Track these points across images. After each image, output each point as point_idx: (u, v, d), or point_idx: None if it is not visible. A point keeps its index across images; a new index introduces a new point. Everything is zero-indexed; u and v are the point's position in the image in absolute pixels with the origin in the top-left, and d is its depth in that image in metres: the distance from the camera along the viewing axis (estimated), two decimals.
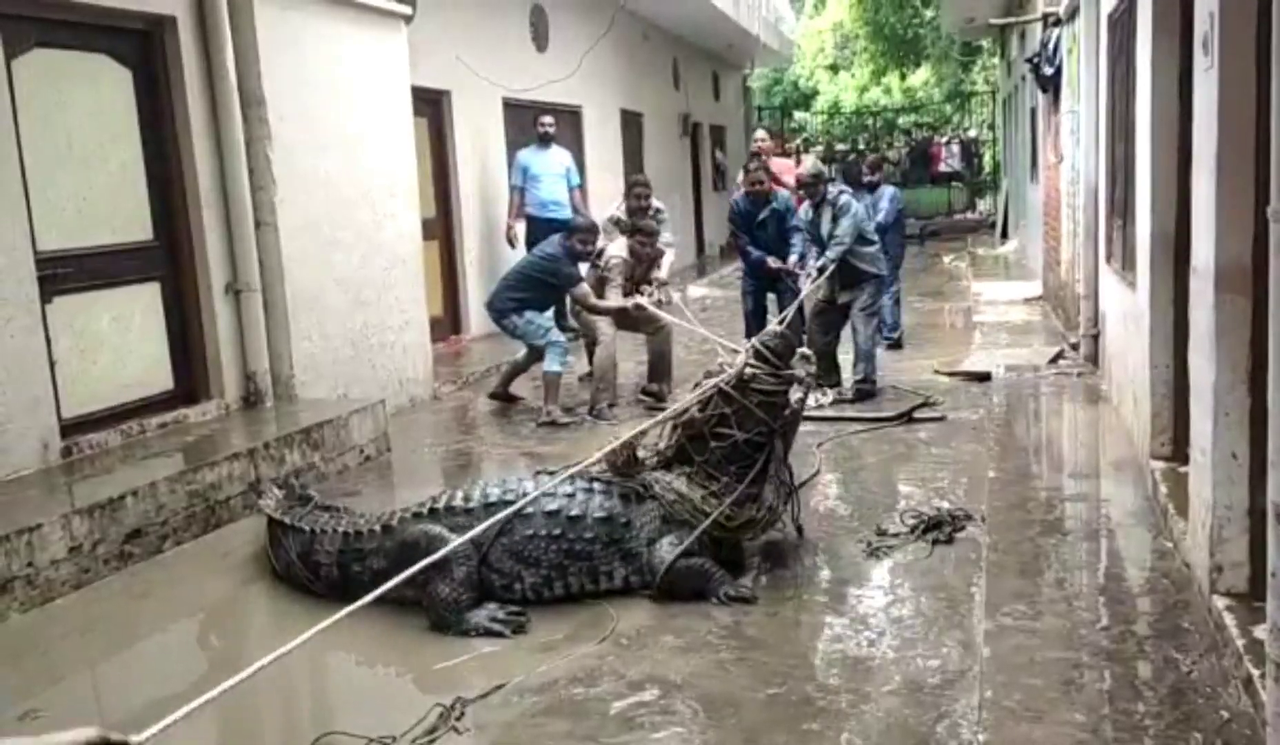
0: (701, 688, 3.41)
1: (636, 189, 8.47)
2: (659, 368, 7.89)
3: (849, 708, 3.26)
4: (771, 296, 8.58)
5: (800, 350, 4.56)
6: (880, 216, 9.43)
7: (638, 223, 7.89)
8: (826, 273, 7.46)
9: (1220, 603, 3.34)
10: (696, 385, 4.45)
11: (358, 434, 6.45)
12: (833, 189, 7.75)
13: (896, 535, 4.72)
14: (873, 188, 10.00)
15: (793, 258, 8.02)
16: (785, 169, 10.82)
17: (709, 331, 6.59)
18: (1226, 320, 3.35)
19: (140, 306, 6.04)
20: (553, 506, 4.12)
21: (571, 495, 4.17)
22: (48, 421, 5.31)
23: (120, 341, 5.89)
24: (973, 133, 28.27)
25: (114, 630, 4.22)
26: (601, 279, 7.63)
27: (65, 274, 5.47)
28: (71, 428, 5.49)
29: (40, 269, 5.27)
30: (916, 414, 6.89)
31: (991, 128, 26.06)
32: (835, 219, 7.51)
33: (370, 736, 3.12)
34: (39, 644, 4.04)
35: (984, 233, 21.25)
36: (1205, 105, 3.53)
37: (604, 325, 7.55)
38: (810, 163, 8.36)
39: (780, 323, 5.88)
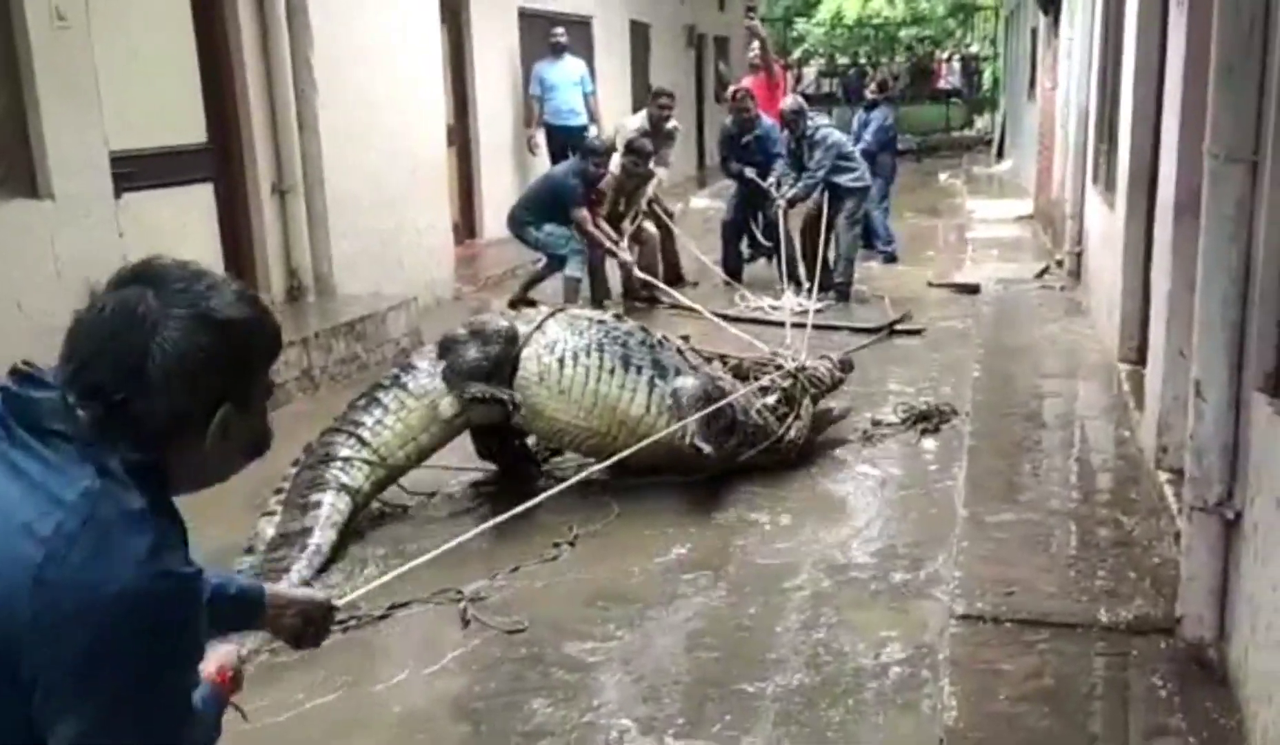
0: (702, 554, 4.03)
1: (661, 99, 8.86)
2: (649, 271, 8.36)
3: (845, 564, 3.88)
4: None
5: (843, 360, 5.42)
6: (862, 145, 9.77)
7: (634, 143, 8.22)
8: (795, 203, 8.31)
9: (1163, 477, 3.94)
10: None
11: (394, 328, 6.97)
12: (811, 124, 8.40)
13: (890, 425, 5.33)
14: (871, 107, 10.45)
15: (770, 180, 8.64)
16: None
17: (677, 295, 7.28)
18: (1180, 240, 3.87)
19: (196, 205, 6.51)
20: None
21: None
22: None
23: (179, 237, 6.34)
24: (974, 48, 28.30)
25: None
26: (597, 195, 8.05)
27: (132, 172, 5.89)
28: None
29: (113, 166, 5.72)
30: (897, 328, 7.38)
31: (993, 44, 26.11)
32: (812, 150, 8.24)
33: None
34: None
35: (980, 151, 21.54)
36: (1176, 46, 4.00)
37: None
38: (791, 99, 8.85)
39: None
